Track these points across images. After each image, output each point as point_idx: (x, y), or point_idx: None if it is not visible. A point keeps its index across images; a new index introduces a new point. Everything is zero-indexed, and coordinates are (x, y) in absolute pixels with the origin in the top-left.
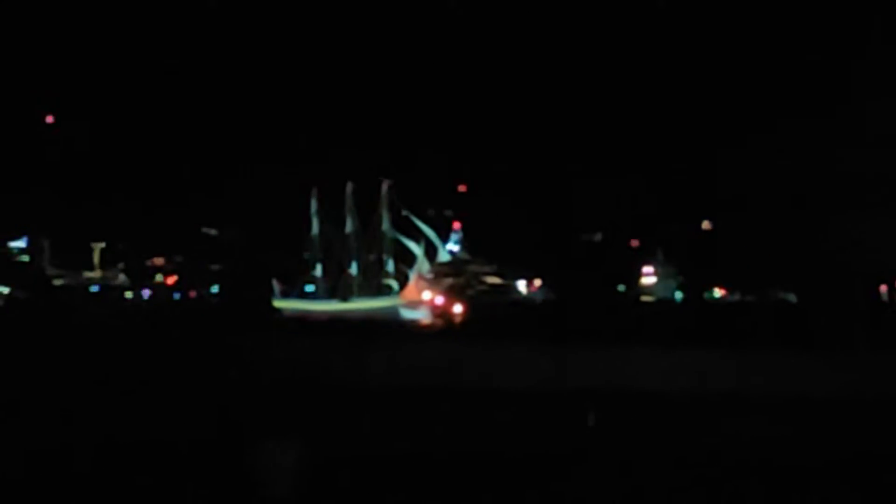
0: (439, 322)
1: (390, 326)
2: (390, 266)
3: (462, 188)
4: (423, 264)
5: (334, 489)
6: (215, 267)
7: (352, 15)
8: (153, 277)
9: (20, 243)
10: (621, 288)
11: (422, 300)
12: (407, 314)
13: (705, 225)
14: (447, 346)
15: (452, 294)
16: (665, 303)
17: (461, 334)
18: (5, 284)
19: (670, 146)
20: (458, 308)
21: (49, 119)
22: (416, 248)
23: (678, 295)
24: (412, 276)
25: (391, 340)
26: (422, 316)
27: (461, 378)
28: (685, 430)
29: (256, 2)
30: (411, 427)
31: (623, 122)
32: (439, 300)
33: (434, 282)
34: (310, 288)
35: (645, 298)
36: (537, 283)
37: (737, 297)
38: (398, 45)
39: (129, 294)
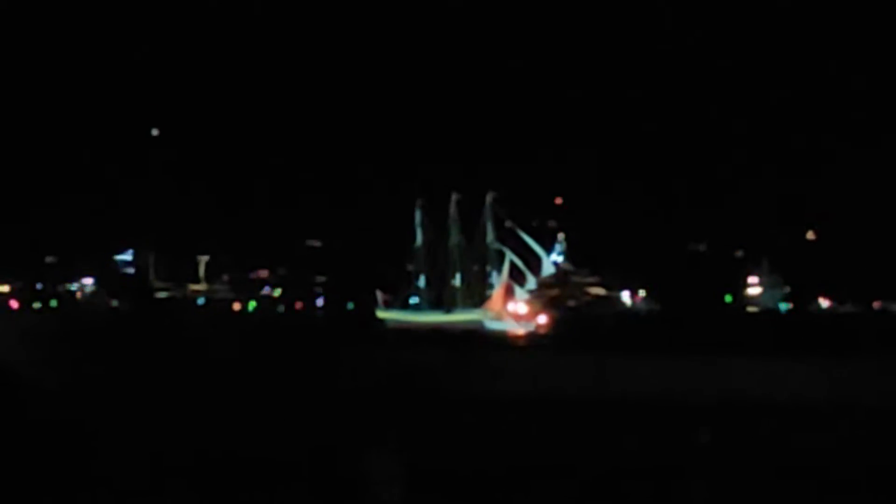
0: (528, 333)
1: (489, 338)
2: (494, 278)
3: (558, 200)
4: (504, 275)
5: (437, 499)
6: (320, 279)
7: (460, 31)
8: (258, 290)
9: (126, 256)
10: (728, 298)
11: (507, 311)
12: (492, 326)
13: (810, 235)
14: (547, 356)
15: (555, 305)
16: (770, 313)
17: (562, 345)
18: (112, 297)
19: (774, 156)
20: (542, 319)
21: (154, 132)
22: (514, 261)
23: (783, 305)
24: (497, 287)
25: (493, 351)
26: (507, 327)
27: (563, 389)
28: (793, 441)
29: (372, 20)
30: (515, 439)
31: (726, 133)
32: (522, 310)
33: (538, 293)
34: (414, 299)
35: (751, 309)
36: (641, 293)
37: (845, 308)
38: (503, 61)
39: (236, 306)
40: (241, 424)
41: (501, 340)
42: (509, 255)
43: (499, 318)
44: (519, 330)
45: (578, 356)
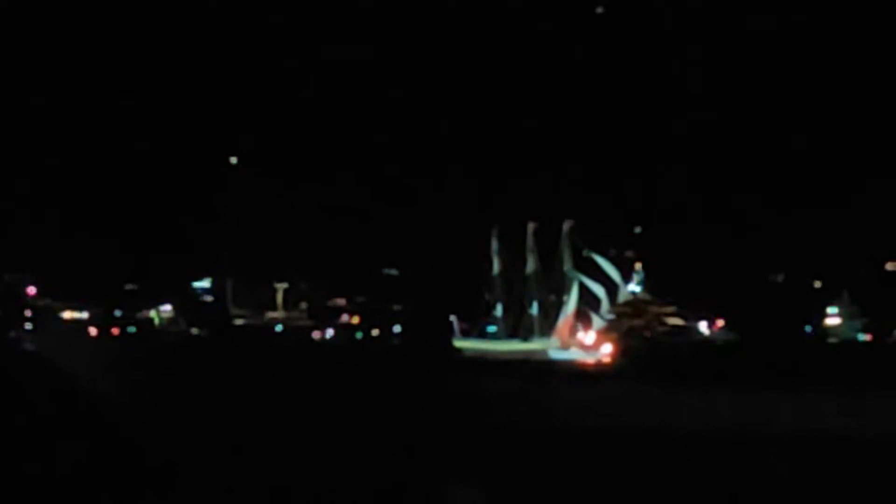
0: (595, 362)
1: (563, 368)
2: (573, 306)
3: (637, 229)
4: (572, 304)
5: None
6: (397, 307)
7: (543, 58)
8: (336, 317)
9: (204, 283)
10: (808, 329)
11: (573, 340)
12: (557, 355)
13: (890, 265)
14: (623, 387)
15: (632, 335)
16: (850, 344)
17: (638, 376)
18: (190, 324)
19: (850, 185)
20: (607, 348)
21: (233, 160)
22: (590, 287)
23: (860, 336)
24: (562, 316)
25: (568, 382)
26: (572, 356)
27: (640, 421)
28: (879, 477)
29: (447, 51)
30: (592, 471)
31: (804, 163)
32: (589, 340)
33: (614, 322)
34: (491, 328)
35: (831, 340)
36: (719, 323)
37: None
38: (580, 92)
39: (316, 334)
40: (320, 454)
41: (566, 370)
42: (576, 283)
43: (565, 347)
44: (584, 359)
45: (651, 387)
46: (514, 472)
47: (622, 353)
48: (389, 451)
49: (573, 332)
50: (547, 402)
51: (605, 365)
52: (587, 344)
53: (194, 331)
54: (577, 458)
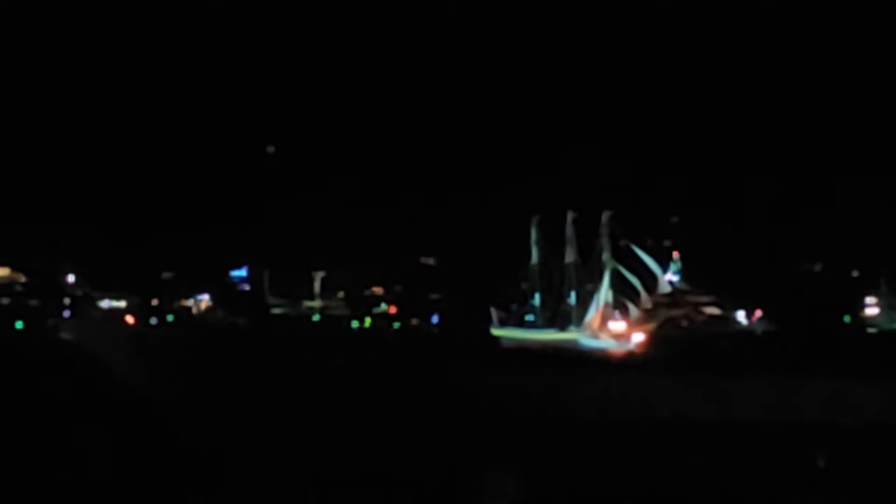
0: (626, 352)
1: (586, 356)
2: (610, 296)
3: (675, 219)
4: (607, 295)
5: None
6: (434, 296)
7: (579, 48)
8: (375, 306)
9: (241, 272)
10: (847, 319)
11: (605, 330)
12: (588, 343)
13: None
14: (662, 378)
15: (669, 324)
16: (889, 334)
17: (678, 366)
18: (227, 312)
19: (888, 174)
20: (638, 337)
21: (270, 149)
22: (627, 277)
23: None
24: (593, 305)
25: (604, 372)
26: (603, 346)
27: (678, 410)
28: None
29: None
30: (628, 461)
31: (842, 154)
32: (620, 329)
33: (652, 312)
34: (529, 317)
35: (870, 330)
36: (758, 313)
37: None
38: (617, 81)
39: (354, 323)
40: (360, 440)
41: (599, 359)
42: (608, 273)
43: (595, 336)
44: (616, 349)
45: (687, 377)
46: (548, 461)
47: (657, 342)
48: (427, 439)
49: (605, 321)
50: (581, 392)
51: (637, 355)
52: (618, 333)
53: (233, 319)
54: (610, 446)
